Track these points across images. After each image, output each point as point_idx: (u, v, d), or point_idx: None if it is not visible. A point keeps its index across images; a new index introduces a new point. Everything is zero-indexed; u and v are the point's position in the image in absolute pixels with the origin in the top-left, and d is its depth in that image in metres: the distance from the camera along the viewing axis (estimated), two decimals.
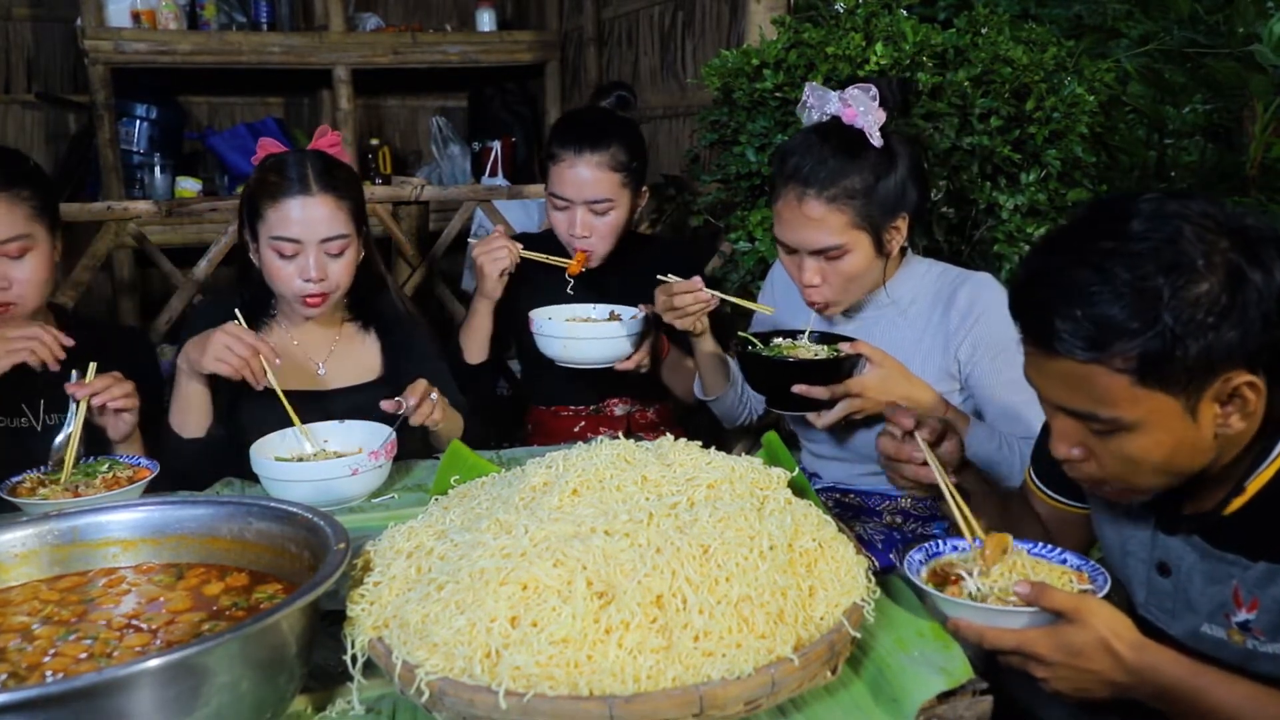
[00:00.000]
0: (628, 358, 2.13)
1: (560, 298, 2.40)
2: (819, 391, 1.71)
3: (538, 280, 2.43)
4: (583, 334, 2.12)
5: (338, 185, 1.91)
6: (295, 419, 1.75)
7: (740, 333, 1.90)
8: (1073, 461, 1.22)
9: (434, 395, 1.84)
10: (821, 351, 1.81)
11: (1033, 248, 1.24)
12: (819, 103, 1.83)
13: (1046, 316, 1.14)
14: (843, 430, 1.94)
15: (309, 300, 1.91)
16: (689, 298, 1.93)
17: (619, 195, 2.25)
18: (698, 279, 1.95)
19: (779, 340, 1.87)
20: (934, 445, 1.40)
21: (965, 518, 1.30)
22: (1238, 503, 1.20)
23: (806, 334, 1.86)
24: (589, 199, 2.22)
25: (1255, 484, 1.19)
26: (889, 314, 1.91)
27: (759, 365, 1.79)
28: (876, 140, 1.78)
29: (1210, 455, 1.17)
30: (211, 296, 2.10)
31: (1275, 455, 1.18)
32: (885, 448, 1.44)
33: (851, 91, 1.80)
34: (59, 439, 1.66)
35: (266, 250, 1.90)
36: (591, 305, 2.23)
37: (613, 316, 2.19)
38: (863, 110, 1.78)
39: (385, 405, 1.79)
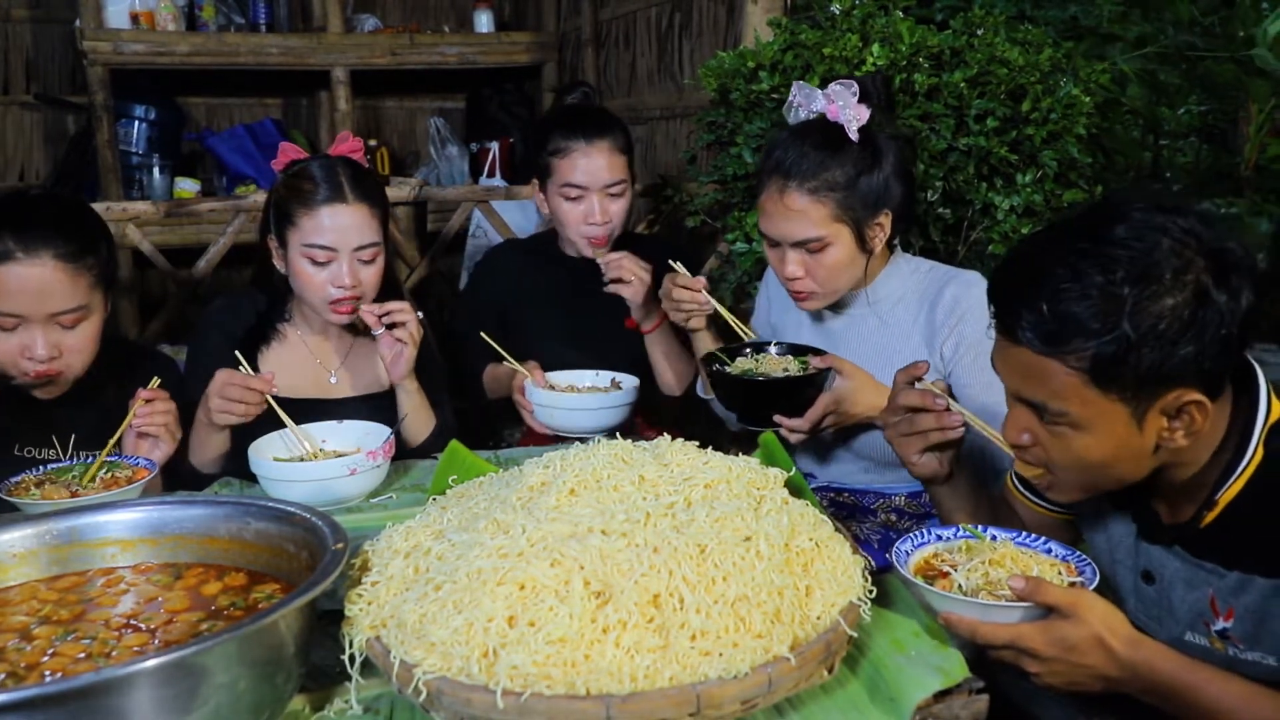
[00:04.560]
0: (622, 423, 2.11)
1: (555, 297, 2.40)
2: (798, 423, 1.71)
3: (532, 282, 2.43)
4: (573, 405, 2.07)
5: (370, 193, 1.92)
6: (290, 423, 1.75)
7: (708, 350, 1.91)
8: (1022, 448, 1.25)
9: (420, 316, 1.90)
10: (790, 364, 1.81)
11: (1023, 238, 1.26)
12: (806, 101, 1.86)
13: (1014, 305, 1.18)
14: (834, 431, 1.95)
15: (337, 308, 1.90)
16: (686, 295, 1.97)
17: (627, 176, 2.32)
18: (702, 280, 1.97)
19: (746, 354, 1.87)
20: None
21: (992, 435, 1.37)
22: (1210, 516, 1.22)
23: (773, 345, 1.87)
24: (605, 183, 2.27)
25: (1225, 497, 1.20)
26: (877, 311, 1.92)
27: (731, 383, 1.78)
28: (854, 134, 1.80)
29: (1151, 465, 1.20)
30: (224, 299, 2.08)
31: (1242, 469, 1.19)
32: (909, 399, 1.43)
33: (834, 87, 1.83)
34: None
35: (298, 257, 1.89)
36: (594, 372, 2.19)
37: (614, 385, 2.15)
38: (842, 104, 1.80)
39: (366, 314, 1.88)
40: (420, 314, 1.92)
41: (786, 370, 1.79)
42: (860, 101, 1.81)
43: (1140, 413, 1.14)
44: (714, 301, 1.96)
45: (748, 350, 1.88)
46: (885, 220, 1.84)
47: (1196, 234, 1.12)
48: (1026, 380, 1.20)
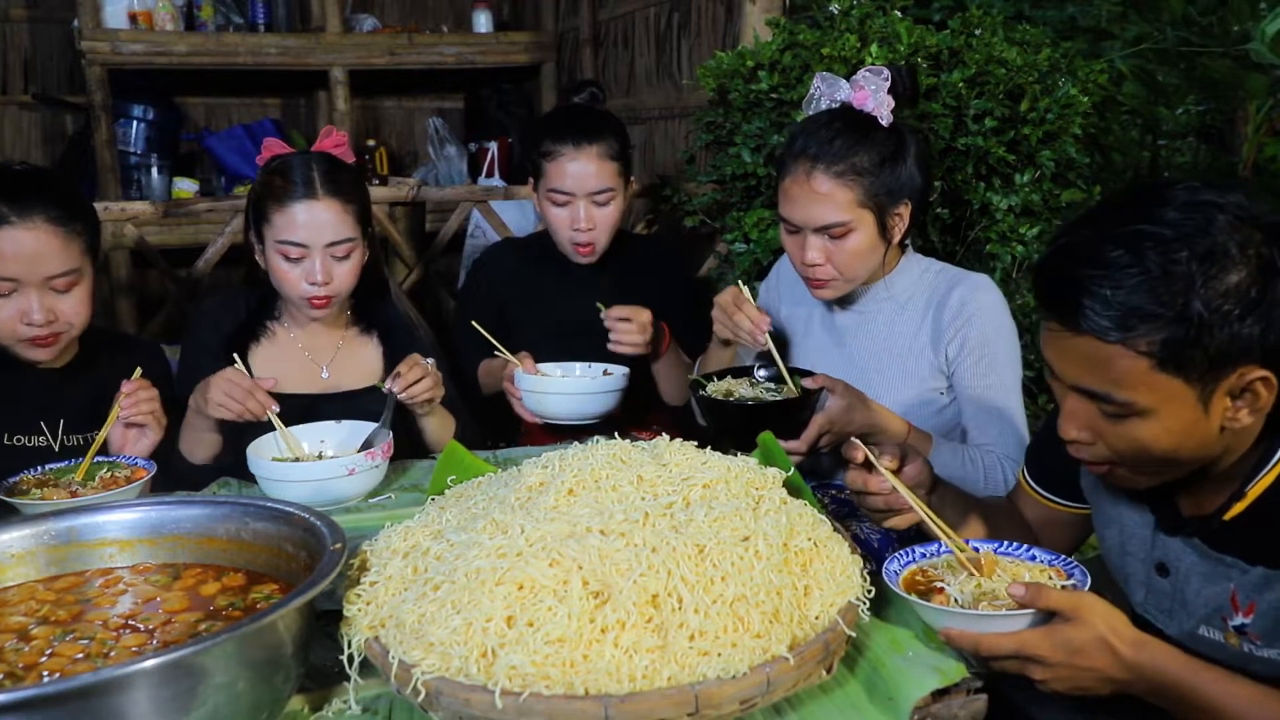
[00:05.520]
0: (610, 412, 2.09)
1: (552, 295, 2.40)
2: (795, 445, 1.69)
3: (529, 280, 2.43)
4: (560, 389, 2.06)
5: (344, 188, 1.92)
6: (288, 439, 1.76)
7: (691, 376, 1.89)
8: (1079, 444, 1.21)
9: (428, 361, 1.86)
10: (772, 385, 1.80)
11: (1065, 223, 1.22)
12: (829, 90, 1.86)
13: (1074, 293, 1.13)
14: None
15: (314, 302, 1.92)
16: (747, 326, 1.86)
17: (618, 184, 2.28)
18: (768, 320, 1.86)
19: (729, 379, 1.84)
20: (897, 470, 1.38)
21: (946, 534, 1.29)
22: (1238, 507, 1.19)
23: (759, 369, 1.85)
24: (592, 190, 2.25)
25: (1256, 489, 1.18)
26: (888, 308, 1.92)
27: (722, 408, 1.74)
28: (886, 120, 1.80)
29: (1216, 449, 1.17)
30: (218, 297, 2.10)
31: (1276, 460, 1.18)
32: (853, 481, 1.43)
33: (863, 74, 1.83)
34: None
35: (272, 253, 1.91)
36: (587, 364, 2.18)
37: (605, 375, 2.14)
38: (874, 89, 1.81)
39: (388, 384, 1.82)
40: (431, 360, 1.89)
41: (773, 394, 1.77)
42: (888, 91, 1.82)
43: (1207, 395, 1.11)
44: (772, 346, 1.85)
45: (727, 377, 1.85)
46: (905, 210, 1.84)
47: (1247, 208, 1.10)
48: (1088, 370, 1.15)
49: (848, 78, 1.86)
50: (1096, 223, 1.16)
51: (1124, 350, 1.10)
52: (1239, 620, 1.21)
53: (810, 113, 1.89)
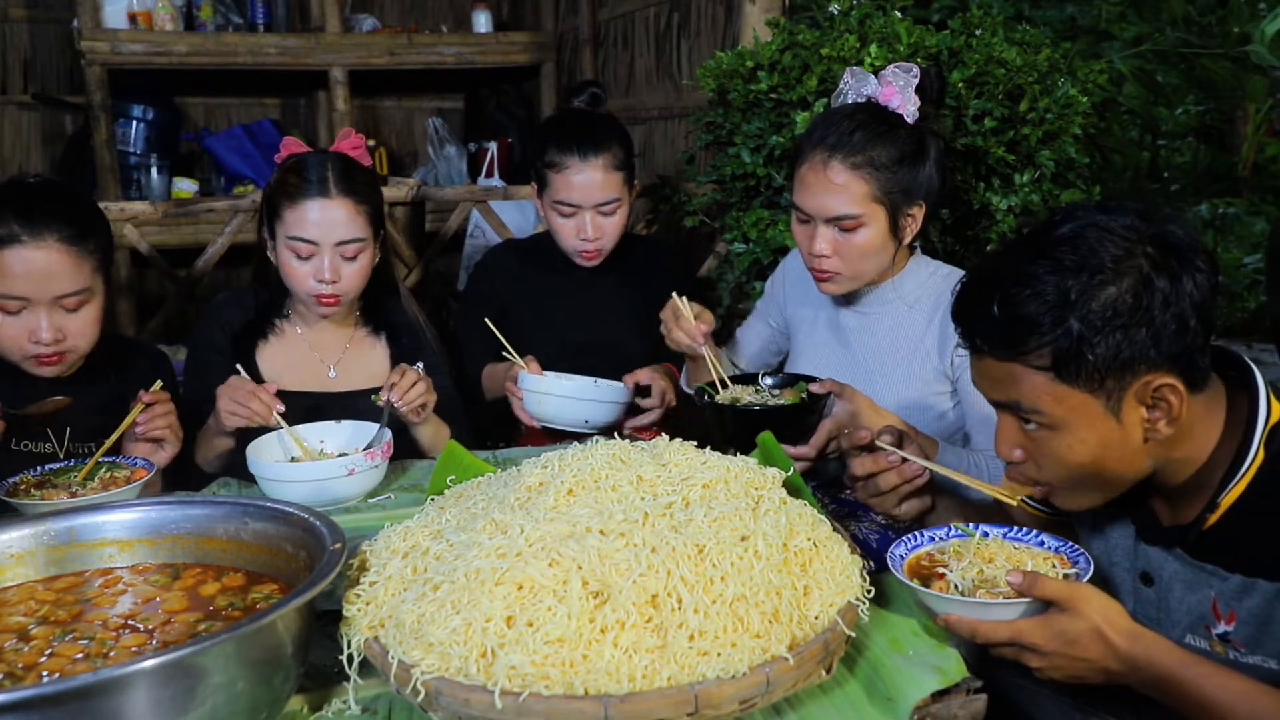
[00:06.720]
0: (612, 422, 2.09)
1: (553, 297, 2.40)
2: (804, 450, 1.68)
3: (531, 282, 2.43)
4: (563, 392, 2.05)
5: (356, 189, 1.93)
6: (300, 444, 1.76)
7: (695, 384, 1.89)
8: (1014, 463, 1.27)
9: (417, 366, 1.86)
10: (779, 393, 1.80)
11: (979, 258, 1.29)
12: (858, 85, 1.87)
13: (970, 318, 1.21)
14: None
15: (322, 300, 1.93)
16: (685, 340, 1.92)
17: (623, 193, 2.29)
18: (701, 329, 1.90)
19: (735, 386, 1.82)
20: (897, 445, 1.44)
21: (969, 481, 1.36)
22: (1212, 518, 1.22)
23: (764, 376, 1.84)
24: (599, 202, 2.24)
25: (1228, 499, 1.20)
26: (894, 309, 1.92)
27: (728, 415, 1.73)
28: (912, 117, 1.80)
29: (1147, 461, 1.20)
30: (226, 294, 2.11)
31: (1244, 471, 1.19)
32: (864, 466, 1.45)
33: (892, 69, 1.83)
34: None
35: (283, 249, 1.93)
36: (594, 380, 2.14)
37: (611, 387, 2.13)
38: (902, 86, 1.81)
39: (381, 396, 1.81)
40: (421, 365, 1.89)
41: (780, 400, 1.76)
42: (915, 91, 1.82)
43: (1114, 403, 1.16)
44: (707, 353, 1.88)
45: (734, 386, 1.83)
46: (918, 212, 1.84)
47: (1135, 226, 1.16)
48: (1001, 387, 1.22)
49: (907, 63, 1.86)
50: (999, 252, 1.25)
51: (1021, 366, 1.17)
52: (1221, 628, 1.23)
53: (835, 105, 1.89)
